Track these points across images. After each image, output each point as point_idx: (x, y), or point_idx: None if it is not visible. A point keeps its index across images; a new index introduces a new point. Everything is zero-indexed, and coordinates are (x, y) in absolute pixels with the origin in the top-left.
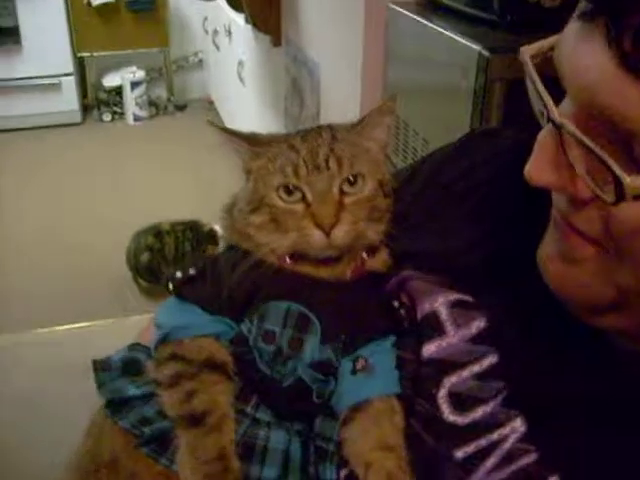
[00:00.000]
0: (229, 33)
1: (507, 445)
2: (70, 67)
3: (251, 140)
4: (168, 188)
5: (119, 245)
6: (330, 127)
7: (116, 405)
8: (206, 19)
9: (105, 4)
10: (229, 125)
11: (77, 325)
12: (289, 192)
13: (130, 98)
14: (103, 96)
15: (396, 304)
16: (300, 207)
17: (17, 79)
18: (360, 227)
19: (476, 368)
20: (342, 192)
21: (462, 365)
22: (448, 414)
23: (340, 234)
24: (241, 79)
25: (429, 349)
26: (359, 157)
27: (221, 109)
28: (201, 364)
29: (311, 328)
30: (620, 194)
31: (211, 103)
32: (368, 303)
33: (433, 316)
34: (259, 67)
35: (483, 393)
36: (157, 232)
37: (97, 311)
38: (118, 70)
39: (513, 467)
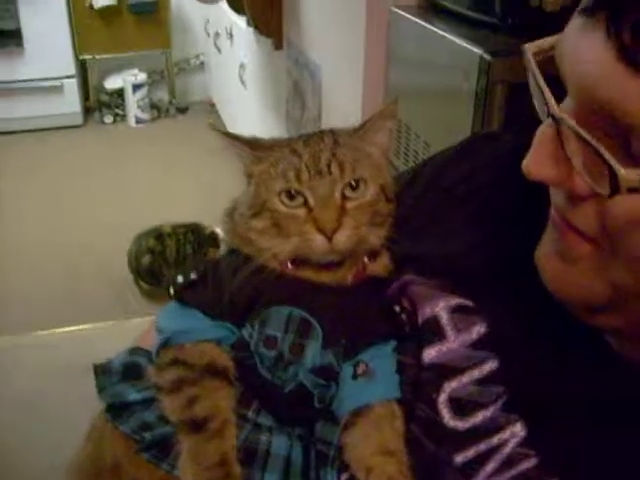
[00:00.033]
0: (231, 36)
1: (507, 450)
2: (72, 69)
3: (253, 144)
4: (170, 190)
5: (120, 247)
6: (332, 132)
7: (117, 410)
8: (208, 22)
9: (107, 7)
10: (231, 128)
11: (78, 327)
12: (291, 197)
13: (132, 100)
14: (105, 98)
15: (397, 309)
16: (302, 212)
17: (19, 81)
18: (362, 232)
19: (476, 373)
20: (344, 197)
21: (462, 370)
22: (448, 419)
23: (342, 239)
24: (243, 82)
25: (430, 354)
26: (361, 162)
27: (223, 112)
28: (203, 369)
29: (312, 333)
30: (615, 186)
31: (213, 106)
32: (369, 308)
33: (434, 321)
34: (261, 70)
35: (483, 398)
36: (158, 234)
37: (98, 313)
38: (120, 72)
39: (513, 472)
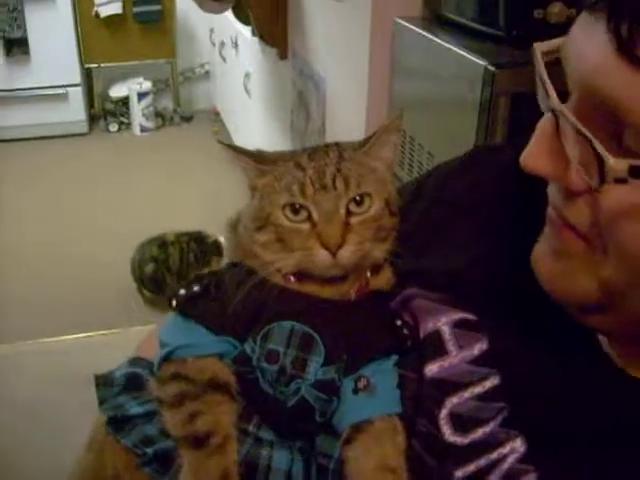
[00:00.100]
0: (236, 45)
1: (506, 465)
2: (77, 78)
3: (257, 157)
4: (173, 199)
5: (124, 256)
6: (337, 145)
7: (118, 423)
8: (213, 31)
9: (113, 16)
10: (235, 137)
11: (81, 335)
12: (295, 211)
13: (137, 109)
14: (110, 107)
15: (399, 323)
16: (306, 227)
17: (25, 89)
18: (366, 247)
19: (478, 389)
20: (348, 212)
21: (464, 386)
22: (449, 435)
23: (346, 254)
24: (247, 91)
25: (431, 369)
26: (366, 177)
27: (227, 121)
28: (205, 384)
29: (315, 349)
30: (602, 175)
31: (217, 115)
32: (371, 323)
33: (436, 335)
34: (265, 79)
35: (483, 414)
36: (162, 243)
37: (101, 321)
38: (125, 81)
39: None
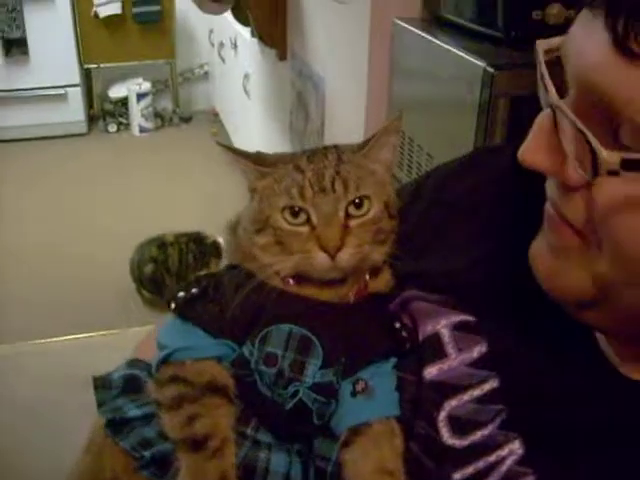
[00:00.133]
0: (235, 46)
1: (505, 467)
2: (76, 78)
3: (256, 160)
4: (173, 199)
5: (123, 256)
6: (336, 148)
7: (117, 425)
8: (212, 32)
9: (112, 16)
10: (234, 137)
11: (80, 335)
12: (294, 214)
13: (136, 109)
14: (109, 107)
15: (398, 325)
16: (305, 229)
17: (24, 90)
18: (365, 250)
19: (477, 392)
20: (348, 215)
21: (463, 388)
22: (447, 438)
23: (345, 257)
24: (246, 92)
25: (430, 372)
26: (365, 179)
27: (226, 121)
28: (203, 387)
29: (313, 351)
30: (596, 168)
31: (216, 115)
32: (370, 325)
33: (435, 338)
34: (265, 80)
35: (482, 417)
36: (161, 243)
37: (100, 322)
38: (124, 81)
39: None
